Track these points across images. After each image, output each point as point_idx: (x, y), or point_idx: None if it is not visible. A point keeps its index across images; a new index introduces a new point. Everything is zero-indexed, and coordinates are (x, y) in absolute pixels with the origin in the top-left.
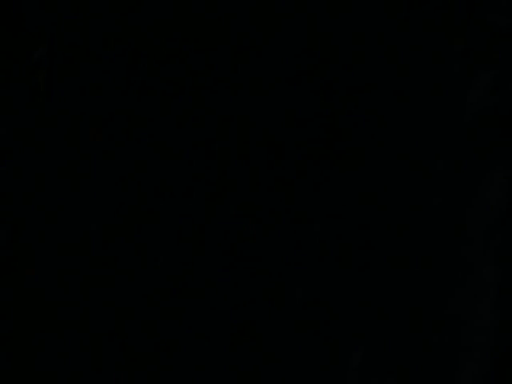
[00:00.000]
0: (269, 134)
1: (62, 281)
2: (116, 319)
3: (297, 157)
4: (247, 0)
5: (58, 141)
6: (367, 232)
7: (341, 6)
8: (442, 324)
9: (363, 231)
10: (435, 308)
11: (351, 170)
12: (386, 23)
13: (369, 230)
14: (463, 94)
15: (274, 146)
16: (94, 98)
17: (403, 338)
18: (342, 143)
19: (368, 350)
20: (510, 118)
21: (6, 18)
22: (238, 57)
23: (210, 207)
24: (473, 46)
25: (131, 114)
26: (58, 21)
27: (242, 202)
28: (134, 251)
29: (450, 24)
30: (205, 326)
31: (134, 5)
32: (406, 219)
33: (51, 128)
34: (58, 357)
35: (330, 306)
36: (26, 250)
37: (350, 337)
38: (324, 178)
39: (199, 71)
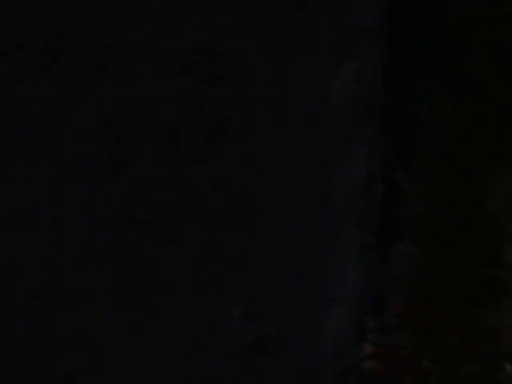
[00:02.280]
0: (162, 119)
1: None
2: None
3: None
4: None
5: None
6: (249, 199)
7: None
8: (310, 279)
9: (247, 198)
10: (305, 265)
11: (232, 149)
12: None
13: (251, 197)
14: (329, 82)
15: (167, 129)
16: None
17: (278, 291)
18: (223, 127)
19: (248, 300)
20: (369, 104)
21: None
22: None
23: (98, 184)
24: (337, 41)
25: None
26: None
27: (136, 178)
28: None
29: (317, 21)
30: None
31: None
32: (282, 189)
33: None
34: None
35: (215, 265)
36: None
37: (233, 289)
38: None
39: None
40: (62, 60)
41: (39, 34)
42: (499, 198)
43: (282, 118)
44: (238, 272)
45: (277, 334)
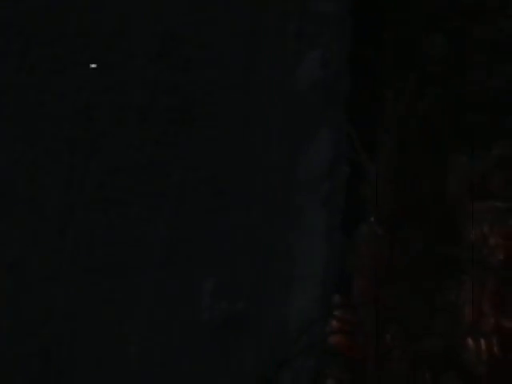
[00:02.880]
0: (137, 101)
1: None
2: None
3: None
4: None
5: None
6: (218, 181)
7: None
8: (277, 258)
9: (216, 180)
10: (272, 244)
11: (201, 132)
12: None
13: (219, 178)
14: (295, 68)
15: (138, 113)
16: None
17: (247, 269)
18: (192, 111)
19: (219, 278)
20: (334, 89)
21: None
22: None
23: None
24: (303, 29)
25: None
26: None
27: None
28: None
29: (283, 10)
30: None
31: None
32: (250, 170)
33: None
34: None
35: (186, 244)
36: None
37: (204, 267)
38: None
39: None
40: (37, 47)
41: (14, 22)
42: (459, 179)
43: (249, 103)
44: (208, 251)
45: (246, 311)
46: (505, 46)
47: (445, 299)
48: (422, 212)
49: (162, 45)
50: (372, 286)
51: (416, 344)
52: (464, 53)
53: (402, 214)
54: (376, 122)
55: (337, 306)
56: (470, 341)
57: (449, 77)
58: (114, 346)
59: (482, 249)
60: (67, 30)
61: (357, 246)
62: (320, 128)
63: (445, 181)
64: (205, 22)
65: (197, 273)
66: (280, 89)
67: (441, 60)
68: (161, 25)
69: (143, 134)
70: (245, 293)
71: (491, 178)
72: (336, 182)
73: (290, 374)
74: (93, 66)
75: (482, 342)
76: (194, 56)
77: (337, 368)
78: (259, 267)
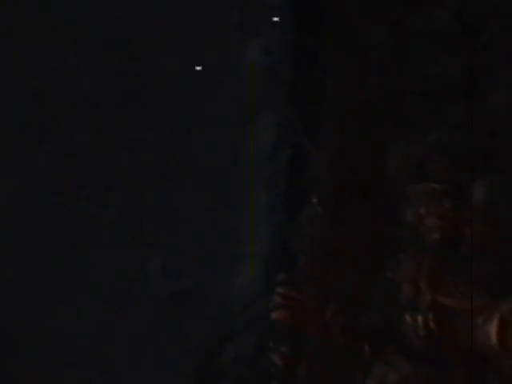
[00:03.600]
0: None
1: None
2: None
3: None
4: None
5: None
6: (166, 163)
7: None
8: (222, 236)
9: (164, 163)
10: (217, 223)
11: (150, 117)
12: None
13: (167, 161)
14: (240, 56)
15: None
16: None
17: (194, 248)
18: (142, 98)
19: (166, 256)
20: (277, 75)
21: None
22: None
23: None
24: (246, 18)
25: None
26: None
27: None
28: None
29: (229, 0)
30: None
31: None
32: (196, 153)
33: None
34: None
35: (135, 224)
36: None
37: (151, 246)
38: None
39: None
40: None
41: None
42: (397, 163)
43: (197, 88)
44: (156, 230)
45: (193, 287)
46: (441, 35)
47: (383, 277)
48: (362, 193)
49: (113, 33)
50: (314, 264)
51: (356, 319)
52: (403, 42)
53: (342, 196)
54: (318, 106)
55: (280, 283)
56: (407, 316)
57: (388, 65)
58: (67, 320)
59: (419, 228)
60: (19, 19)
61: (300, 226)
62: (263, 112)
63: (383, 164)
64: (155, 12)
65: (145, 251)
66: (225, 75)
67: (380, 48)
68: (112, 14)
69: (93, 119)
70: (191, 270)
71: (428, 161)
72: (278, 164)
73: (234, 348)
74: (46, 54)
75: (419, 317)
76: (143, 44)
77: (279, 342)
78: (205, 246)
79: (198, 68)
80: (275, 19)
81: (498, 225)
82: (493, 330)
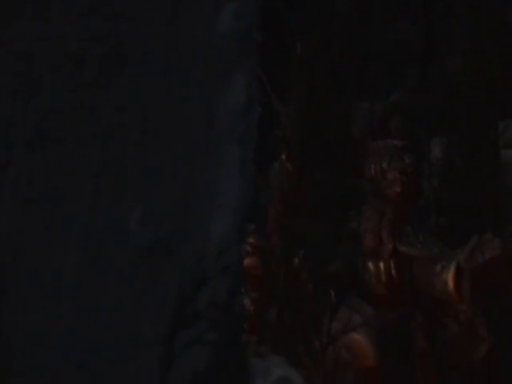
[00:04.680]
0: None
1: None
2: None
3: None
4: None
5: None
6: (145, 120)
7: None
8: (198, 189)
9: (143, 119)
10: (193, 176)
11: (130, 77)
12: None
13: (146, 118)
14: (213, 21)
15: (74, 60)
16: None
17: (171, 199)
18: (122, 59)
19: (145, 207)
20: (249, 39)
21: None
22: None
23: None
24: None
25: None
26: None
27: None
28: None
29: None
30: None
31: None
32: (173, 112)
33: None
34: None
35: (115, 178)
36: None
37: (131, 198)
38: None
39: None
40: None
41: None
42: (361, 121)
43: (173, 52)
44: (135, 183)
45: (170, 236)
46: (401, 4)
47: (348, 227)
48: (328, 150)
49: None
50: (282, 215)
51: (322, 267)
52: (365, 9)
53: (309, 152)
54: (287, 69)
55: (251, 233)
56: (370, 264)
57: (351, 31)
58: (51, 268)
59: (381, 182)
60: None
61: (269, 180)
62: (235, 74)
63: (348, 123)
64: None
65: (125, 202)
66: (200, 39)
67: (344, 15)
68: None
69: (77, 79)
70: (169, 221)
71: (389, 121)
72: (249, 122)
73: (209, 291)
74: (33, 18)
75: (381, 265)
76: (122, 10)
77: (250, 287)
78: (181, 198)
79: (174, 32)
80: None
81: (453, 179)
82: (450, 276)
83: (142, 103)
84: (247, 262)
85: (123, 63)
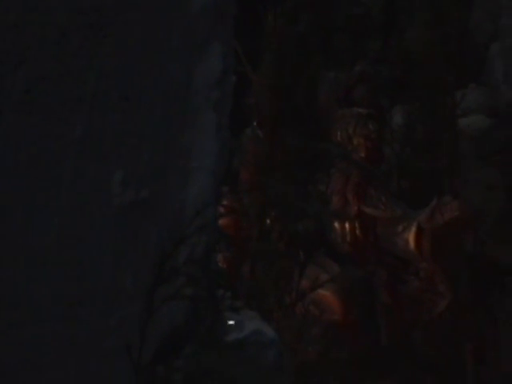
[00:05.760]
0: None
1: None
2: None
3: None
4: None
5: None
6: (127, 87)
7: None
8: (176, 152)
9: (125, 86)
10: (171, 140)
11: (112, 46)
12: None
13: (128, 84)
14: None
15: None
16: None
17: (151, 162)
18: (105, 28)
19: (127, 170)
20: (224, 10)
21: None
22: None
23: None
24: None
25: None
26: None
27: None
28: None
29: None
30: None
31: None
32: (153, 78)
33: None
34: None
35: (98, 142)
36: None
37: (113, 161)
38: None
39: None
40: None
41: None
42: (327, 90)
43: (153, 22)
44: (117, 146)
45: (150, 197)
46: None
47: (316, 188)
48: (298, 116)
49: None
50: (255, 178)
51: (292, 226)
52: None
53: (280, 118)
54: (259, 39)
55: (225, 194)
56: (336, 224)
57: (319, 4)
58: (37, 228)
59: (348, 147)
60: None
61: (242, 145)
62: (211, 44)
63: (316, 91)
64: None
65: (107, 165)
66: (177, 11)
67: None
68: None
69: (63, 47)
70: (148, 182)
71: (354, 90)
72: (225, 89)
73: (186, 249)
74: None
75: (347, 225)
76: None
77: (224, 245)
78: (160, 161)
79: (153, 3)
80: None
81: (414, 144)
82: (411, 236)
83: (123, 71)
84: (222, 222)
85: (106, 34)
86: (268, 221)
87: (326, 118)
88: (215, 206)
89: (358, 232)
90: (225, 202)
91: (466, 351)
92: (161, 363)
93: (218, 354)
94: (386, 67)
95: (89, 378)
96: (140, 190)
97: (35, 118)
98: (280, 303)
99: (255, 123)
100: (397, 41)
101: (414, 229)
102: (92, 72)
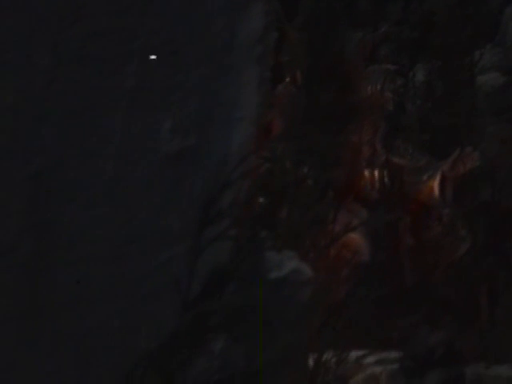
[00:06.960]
0: None
1: None
2: None
3: None
4: None
5: None
6: (175, 42)
7: None
8: (221, 102)
9: (173, 42)
10: (217, 92)
11: (161, 4)
12: None
13: (176, 41)
14: None
15: None
16: None
17: (198, 112)
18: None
19: (175, 118)
20: None
21: None
22: None
23: None
24: None
25: None
26: None
27: None
28: None
29: None
30: None
31: None
32: (199, 35)
33: None
34: None
35: (148, 93)
36: None
37: (163, 110)
38: None
39: None
40: None
41: None
42: (355, 51)
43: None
44: (166, 98)
45: (197, 144)
46: None
47: (348, 138)
48: (328, 72)
49: None
50: (290, 128)
51: (325, 173)
52: None
53: (312, 74)
54: (296, 1)
55: (266, 143)
56: (366, 172)
57: None
58: (90, 173)
59: (378, 100)
60: None
61: (278, 98)
62: (254, 2)
63: (344, 50)
64: None
65: (157, 114)
66: None
67: None
68: None
69: (116, 5)
70: (195, 131)
71: (379, 49)
72: (266, 45)
73: (231, 193)
74: None
75: (376, 173)
76: None
77: (265, 191)
78: (207, 111)
79: None
80: None
81: (434, 101)
82: (435, 184)
83: (171, 28)
84: (261, 169)
85: None
86: (304, 169)
87: (355, 74)
88: (256, 154)
89: (385, 180)
90: (260, 152)
91: (481, 293)
92: (207, 299)
93: (259, 291)
94: (407, 29)
95: (138, 313)
96: (187, 138)
97: (88, 70)
98: (315, 245)
99: (288, 79)
100: (417, 4)
101: (438, 177)
102: (143, 28)
